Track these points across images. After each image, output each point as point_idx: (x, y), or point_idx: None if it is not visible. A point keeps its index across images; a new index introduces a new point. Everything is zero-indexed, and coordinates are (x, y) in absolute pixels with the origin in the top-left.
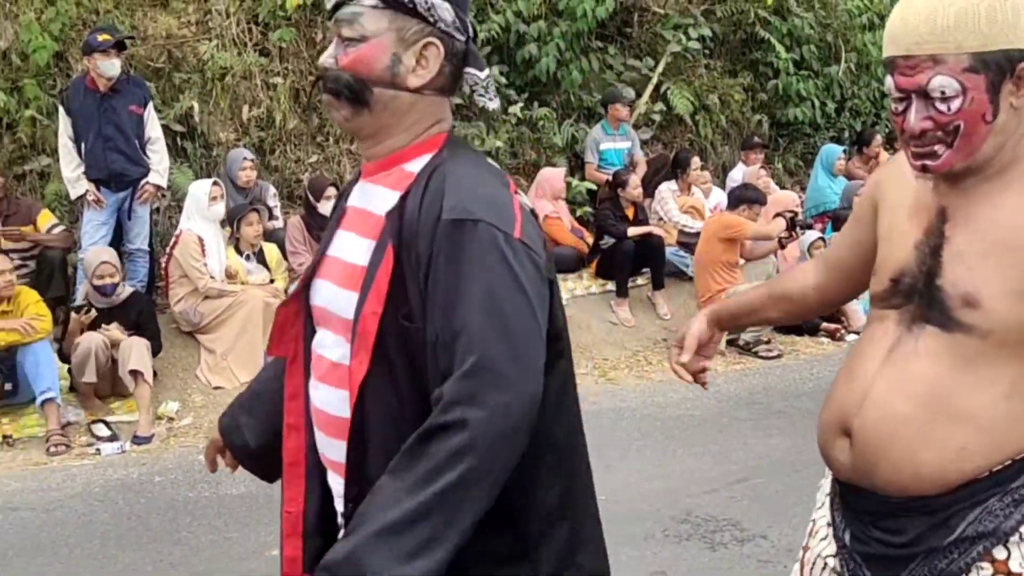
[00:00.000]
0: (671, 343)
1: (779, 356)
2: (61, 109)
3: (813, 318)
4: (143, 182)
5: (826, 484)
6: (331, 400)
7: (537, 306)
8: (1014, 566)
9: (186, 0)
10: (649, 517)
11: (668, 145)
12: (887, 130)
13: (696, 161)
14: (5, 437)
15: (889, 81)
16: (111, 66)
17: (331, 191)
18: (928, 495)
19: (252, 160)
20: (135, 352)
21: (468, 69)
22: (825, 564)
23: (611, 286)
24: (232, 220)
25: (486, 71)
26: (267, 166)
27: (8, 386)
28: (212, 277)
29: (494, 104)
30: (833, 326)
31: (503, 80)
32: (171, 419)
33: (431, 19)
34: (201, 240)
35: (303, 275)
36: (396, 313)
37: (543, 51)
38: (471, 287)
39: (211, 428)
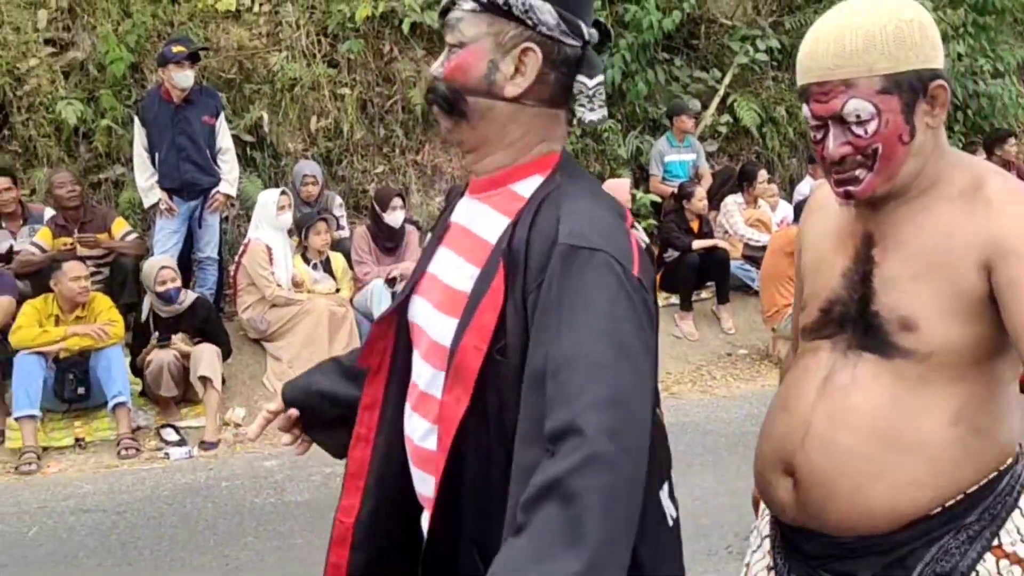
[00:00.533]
0: (735, 357)
1: None
2: (136, 120)
3: None
4: (213, 191)
5: (763, 525)
6: (417, 430)
7: (651, 346)
8: None
9: (257, 12)
10: (713, 533)
11: (734, 158)
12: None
13: (763, 174)
14: (78, 440)
15: (805, 110)
16: (185, 77)
17: (397, 201)
18: (880, 533)
19: (315, 176)
20: (205, 358)
21: (580, 76)
22: None
23: (675, 299)
24: (300, 229)
25: (597, 79)
26: (334, 176)
27: (81, 390)
28: (279, 285)
29: (594, 116)
30: None
31: None
32: (237, 425)
33: (530, 22)
34: (269, 249)
35: (402, 289)
36: (493, 348)
37: (609, 62)
38: (590, 316)
39: (276, 435)
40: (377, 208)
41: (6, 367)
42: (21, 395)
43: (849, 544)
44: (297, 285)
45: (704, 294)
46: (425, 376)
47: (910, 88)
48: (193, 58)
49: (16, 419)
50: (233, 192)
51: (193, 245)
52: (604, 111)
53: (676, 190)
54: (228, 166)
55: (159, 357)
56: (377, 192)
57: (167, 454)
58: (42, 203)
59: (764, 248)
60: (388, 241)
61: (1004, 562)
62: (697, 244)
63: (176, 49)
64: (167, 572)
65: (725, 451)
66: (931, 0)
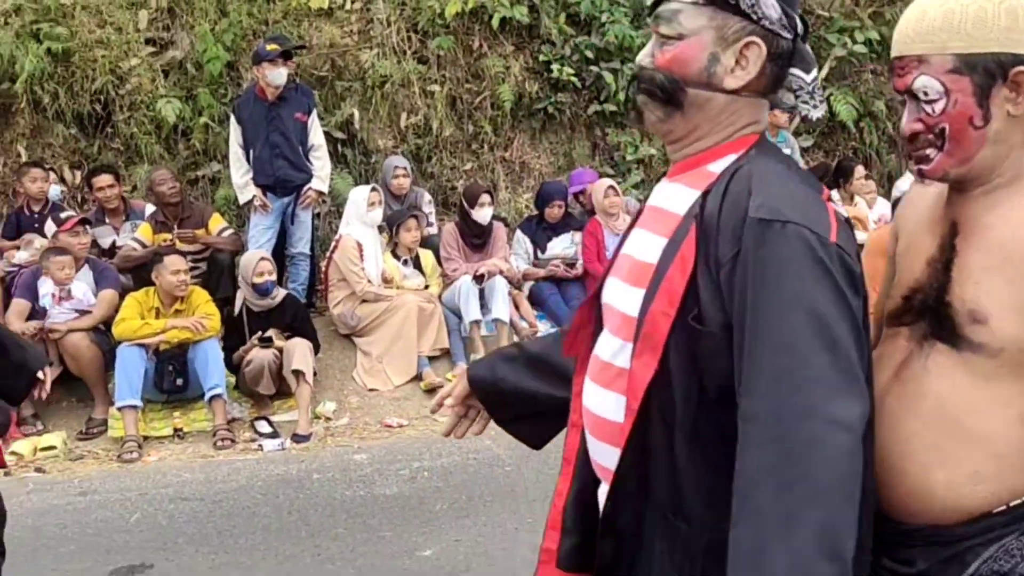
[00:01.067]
0: None
1: None
2: (232, 118)
3: None
4: (306, 188)
5: None
6: (599, 401)
7: (857, 313)
8: None
9: (349, 10)
10: None
11: (830, 153)
12: None
13: (860, 170)
14: (176, 430)
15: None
16: (278, 75)
17: (485, 198)
18: (942, 524)
19: (405, 168)
20: (298, 352)
21: (793, 70)
22: None
23: None
24: (391, 225)
25: (813, 73)
26: (423, 173)
27: (179, 381)
28: (369, 281)
29: (818, 112)
30: None
31: None
32: (328, 419)
33: (754, 16)
34: (360, 245)
35: (601, 275)
36: (685, 315)
37: None
38: (783, 291)
39: (366, 429)
40: (465, 205)
41: (110, 358)
42: (123, 386)
43: (911, 531)
44: (387, 281)
45: None
46: (611, 348)
47: (985, 71)
48: (286, 56)
49: (118, 409)
50: (325, 188)
51: (286, 241)
52: (825, 106)
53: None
54: (320, 163)
55: (259, 356)
56: (466, 189)
57: (261, 446)
58: (143, 199)
59: (861, 246)
60: (476, 238)
61: None
62: None
63: (270, 47)
64: (261, 561)
65: None
66: None
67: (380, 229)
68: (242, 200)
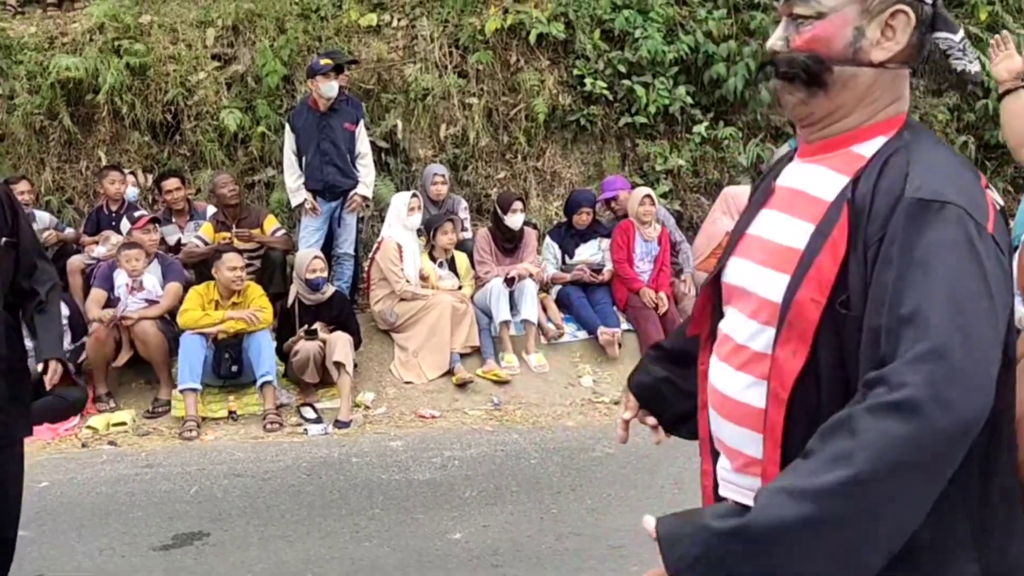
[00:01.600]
0: None
1: None
2: (287, 126)
3: None
4: (352, 193)
5: None
6: (729, 382)
7: (1000, 312)
8: None
9: (396, 27)
10: None
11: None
12: None
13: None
14: (231, 413)
15: None
16: (330, 88)
17: (517, 205)
18: None
19: (443, 176)
20: (340, 345)
21: (938, 34)
22: None
23: None
24: (429, 229)
25: (960, 33)
26: (460, 181)
27: (234, 368)
28: (408, 281)
29: (974, 67)
30: None
31: (689, 100)
32: (367, 408)
33: None
34: (400, 247)
35: (721, 255)
36: (833, 300)
37: (731, 71)
38: (933, 273)
39: (401, 418)
40: (499, 211)
41: (174, 345)
42: (185, 370)
43: None
44: (424, 281)
45: None
46: (746, 331)
47: None
48: (338, 70)
49: (180, 391)
50: (369, 194)
51: (333, 242)
52: (978, 63)
53: None
54: (366, 170)
55: (305, 347)
56: (499, 196)
57: (306, 430)
58: (205, 201)
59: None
60: (508, 242)
61: None
62: None
63: (323, 62)
64: (305, 535)
65: None
66: None
67: (419, 232)
68: (294, 203)
